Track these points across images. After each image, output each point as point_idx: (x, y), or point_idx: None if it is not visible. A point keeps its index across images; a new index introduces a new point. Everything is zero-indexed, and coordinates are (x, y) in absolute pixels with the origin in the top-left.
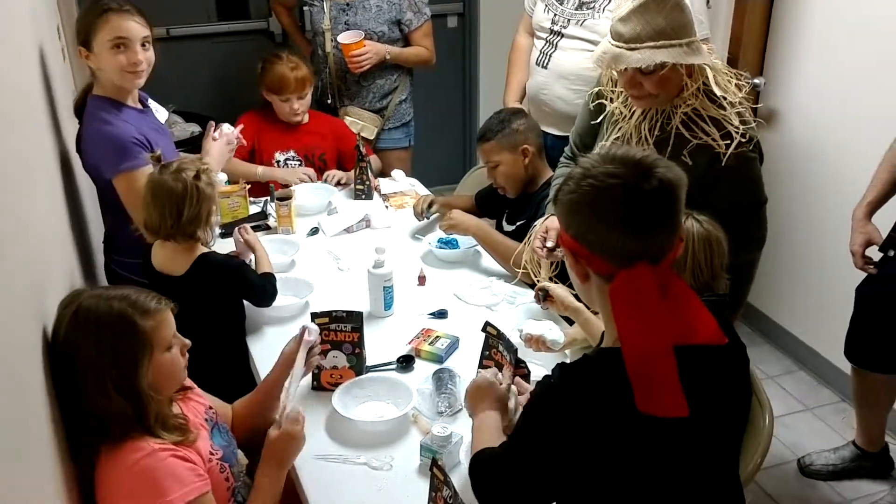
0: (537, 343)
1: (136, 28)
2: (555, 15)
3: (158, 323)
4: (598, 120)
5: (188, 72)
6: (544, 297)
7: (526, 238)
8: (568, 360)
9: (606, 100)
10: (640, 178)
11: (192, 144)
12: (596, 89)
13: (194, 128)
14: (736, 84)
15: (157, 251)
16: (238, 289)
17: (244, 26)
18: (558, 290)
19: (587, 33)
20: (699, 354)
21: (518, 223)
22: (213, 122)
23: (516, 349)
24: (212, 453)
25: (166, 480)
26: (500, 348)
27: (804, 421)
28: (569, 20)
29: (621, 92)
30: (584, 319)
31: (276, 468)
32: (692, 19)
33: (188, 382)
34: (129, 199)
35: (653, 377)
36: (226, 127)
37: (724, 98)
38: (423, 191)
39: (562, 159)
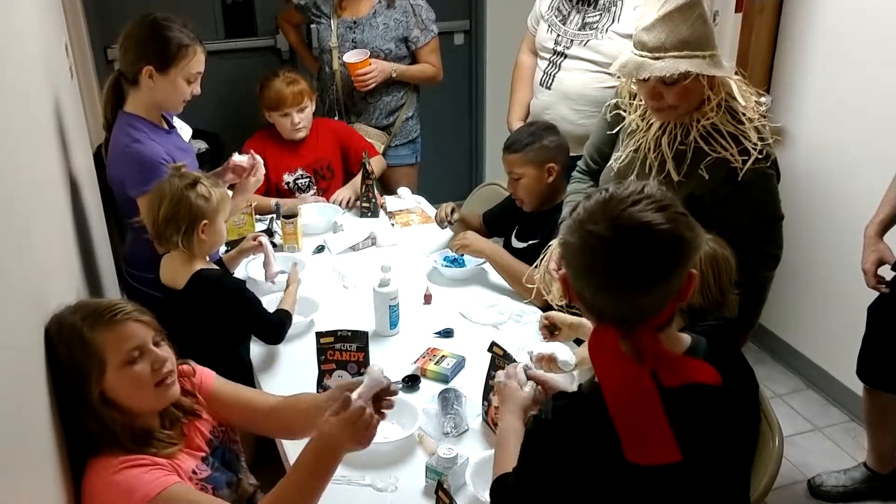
0: (549, 363)
1: (204, 62)
2: (558, 35)
3: (115, 336)
4: (615, 131)
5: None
6: (552, 331)
7: (539, 258)
8: (575, 382)
9: (624, 111)
10: (621, 246)
11: (199, 161)
12: (614, 101)
13: (201, 144)
14: (755, 101)
15: (163, 263)
16: (234, 309)
17: (252, 43)
18: (558, 315)
19: (591, 54)
20: (691, 393)
21: (530, 242)
22: (233, 159)
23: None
24: (195, 472)
25: (127, 492)
26: None
27: (814, 441)
28: (572, 41)
29: (639, 104)
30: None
31: (327, 454)
32: (713, 32)
33: (203, 403)
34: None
35: (639, 424)
36: (241, 158)
37: (744, 114)
38: (429, 208)
39: (575, 173)
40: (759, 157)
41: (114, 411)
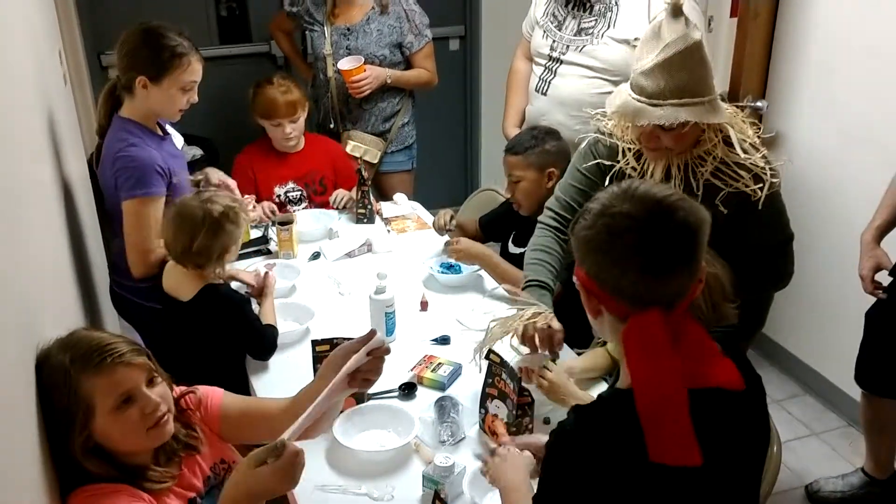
0: (528, 374)
1: (201, 71)
2: (553, 41)
3: (104, 381)
4: (605, 183)
5: None
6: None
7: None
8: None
9: (607, 157)
10: (659, 220)
11: (193, 168)
12: (589, 142)
13: (196, 151)
14: (751, 124)
15: (168, 271)
16: (237, 325)
17: (246, 49)
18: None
19: (587, 59)
20: (715, 397)
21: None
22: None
23: (520, 378)
24: None
25: None
26: (504, 376)
27: (811, 446)
28: (567, 46)
29: (631, 146)
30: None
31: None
32: (711, 73)
33: (203, 439)
34: (131, 224)
35: (665, 424)
36: (213, 175)
37: (745, 141)
38: (424, 214)
39: (542, 221)
40: (774, 181)
41: (95, 460)
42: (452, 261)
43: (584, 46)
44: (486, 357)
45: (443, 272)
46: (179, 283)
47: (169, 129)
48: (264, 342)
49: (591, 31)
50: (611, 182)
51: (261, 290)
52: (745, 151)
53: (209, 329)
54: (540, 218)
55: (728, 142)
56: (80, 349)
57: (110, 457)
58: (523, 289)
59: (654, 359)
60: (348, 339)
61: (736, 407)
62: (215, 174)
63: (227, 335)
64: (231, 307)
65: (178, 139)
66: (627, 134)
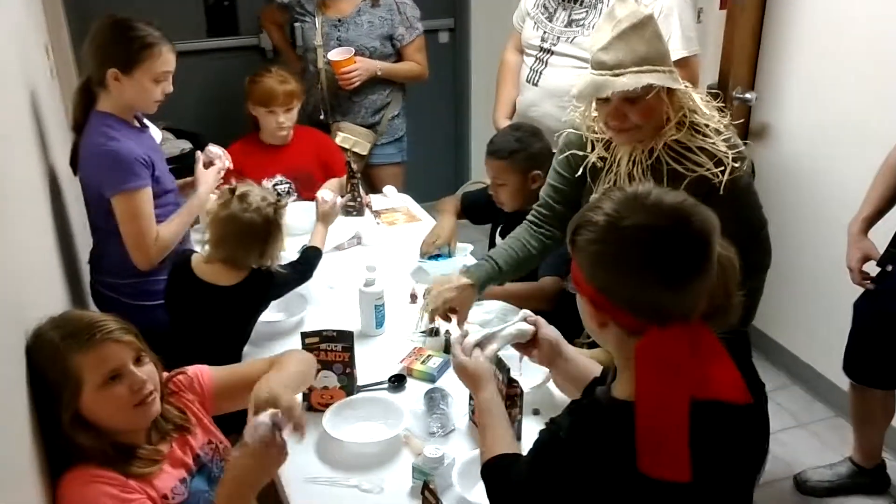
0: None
1: (174, 61)
2: (544, 32)
3: (93, 357)
4: (578, 174)
5: (178, 88)
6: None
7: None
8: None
9: (580, 151)
10: (675, 230)
11: (182, 162)
12: (565, 135)
13: (185, 144)
14: (718, 109)
15: (202, 263)
16: (294, 284)
17: (235, 42)
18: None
19: (578, 51)
20: (717, 411)
21: None
22: (199, 152)
23: (509, 368)
24: (166, 497)
25: None
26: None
27: (799, 437)
28: (558, 38)
29: (600, 138)
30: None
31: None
32: (668, 51)
33: (194, 421)
34: (125, 219)
35: (662, 439)
36: (213, 148)
37: (708, 126)
38: (415, 207)
39: (529, 219)
40: (735, 165)
41: (85, 433)
42: (439, 251)
43: (574, 38)
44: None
45: (430, 259)
46: (222, 270)
47: (146, 122)
48: (311, 271)
49: (581, 22)
50: (583, 175)
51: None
52: (705, 136)
53: (249, 309)
54: (528, 219)
55: (694, 127)
56: (70, 326)
57: (101, 432)
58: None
59: (668, 375)
60: (340, 331)
61: (736, 422)
62: (214, 149)
63: (258, 314)
64: (282, 283)
65: (156, 133)
66: (596, 124)
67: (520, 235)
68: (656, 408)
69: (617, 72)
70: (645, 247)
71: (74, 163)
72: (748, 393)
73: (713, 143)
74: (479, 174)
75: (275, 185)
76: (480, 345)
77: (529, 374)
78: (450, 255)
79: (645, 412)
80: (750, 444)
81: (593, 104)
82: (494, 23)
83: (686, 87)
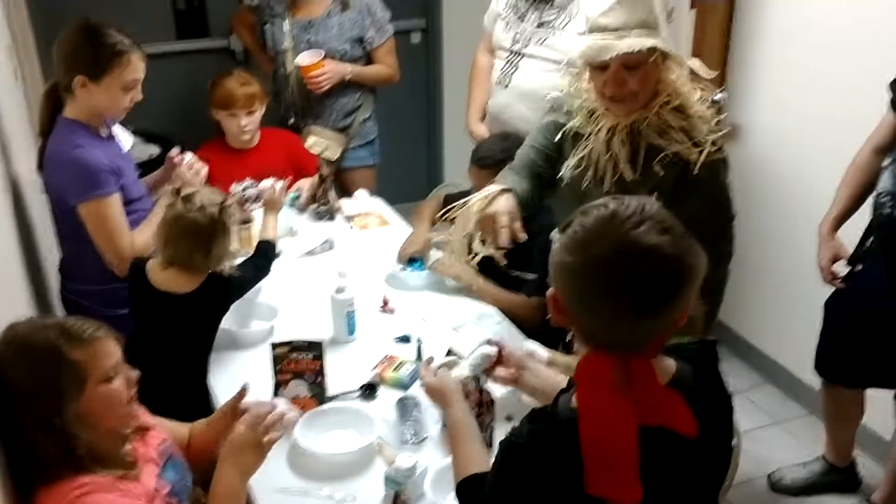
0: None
1: (144, 69)
2: (515, 34)
3: (95, 352)
4: (556, 139)
5: (147, 91)
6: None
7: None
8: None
9: (565, 115)
10: (627, 264)
11: (151, 167)
12: (551, 99)
13: (153, 149)
14: (700, 93)
15: (157, 271)
16: (252, 282)
17: (204, 45)
18: (562, 359)
19: (549, 52)
20: (669, 435)
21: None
22: (177, 150)
23: (478, 377)
24: (157, 489)
25: None
26: None
27: (774, 435)
28: (529, 39)
29: (584, 105)
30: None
31: (235, 474)
32: (663, 21)
33: (148, 421)
34: (95, 227)
35: (608, 458)
36: (189, 156)
37: (693, 109)
38: (386, 211)
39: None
40: (713, 148)
41: (83, 431)
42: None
43: (545, 39)
44: (448, 354)
45: (404, 269)
46: (176, 277)
47: (118, 129)
48: (269, 266)
49: (552, 23)
50: (561, 139)
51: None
52: (689, 117)
53: (210, 316)
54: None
55: (678, 108)
56: (63, 326)
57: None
58: None
59: (601, 399)
60: (310, 341)
61: (689, 449)
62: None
63: (219, 319)
64: (238, 287)
65: (127, 140)
66: (587, 93)
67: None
68: (598, 427)
69: (621, 34)
70: (592, 277)
71: (41, 168)
72: (695, 424)
73: (695, 125)
74: (452, 176)
75: (244, 188)
76: (448, 365)
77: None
78: (423, 264)
79: (587, 430)
80: (705, 468)
81: (586, 74)
82: (467, 23)
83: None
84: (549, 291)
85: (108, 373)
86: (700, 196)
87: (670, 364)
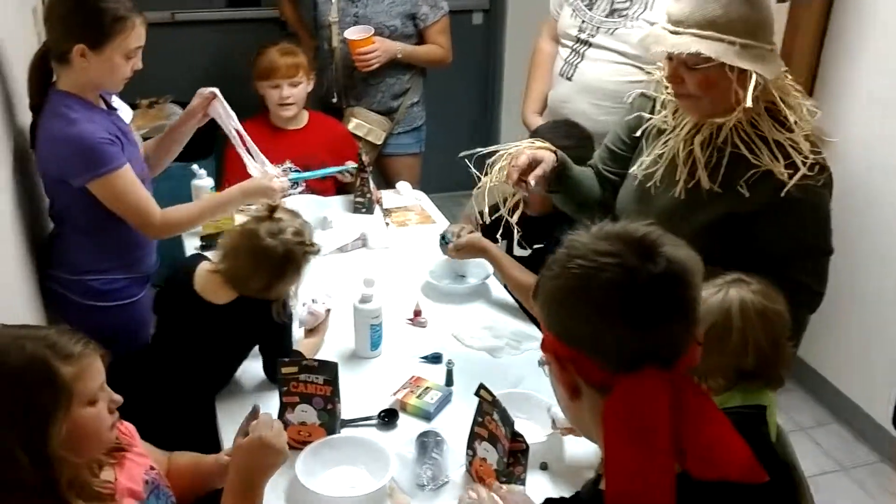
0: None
1: (144, 35)
2: (582, 21)
3: (82, 370)
4: (637, 134)
5: (192, 60)
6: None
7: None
8: None
9: (649, 110)
10: (642, 257)
11: (191, 141)
12: (634, 96)
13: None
14: (807, 109)
15: (204, 272)
16: (270, 344)
17: (255, 14)
18: None
19: (617, 44)
20: (718, 492)
21: (535, 247)
22: (209, 90)
23: (513, 422)
24: None
25: None
26: (495, 417)
27: (838, 482)
28: (598, 28)
29: (669, 99)
30: None
31: (243, 489)
32: (765, 21)
33: (128, 440)
34: (110, 201)
35: None
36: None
37: (796, 123)
38: (429, 206)
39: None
40: (810, 173)
41: (67, 457)
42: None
43: (616, 29)
44: (477, 393)
45: (448, 284)
46: (218, 287)
47: (117, 101)
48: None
49: (625, 12)
50: (640, 137)
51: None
52: (788, 131)
53: (236, 335)
54: None
55: (778, 119)
56: (50, 337)
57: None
58: None
59: (645, 434)
60: (323, 362)
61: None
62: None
63: (248, 343)
64: (272, 327)
65: (126, 113)
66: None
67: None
68: (629, 480)
69: (675, 29)
70: (604, 274)
71: (34, 145)
72: (760, 468)
73: (791, 140)
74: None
75: (284, 170)
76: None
77: (537, 420)
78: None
79: (615, 494)
80: None
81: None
82: (534, 6)
83: (772, 70)
84: (546, 351)
85: (94, 394)
86: (792, 222)
87: None
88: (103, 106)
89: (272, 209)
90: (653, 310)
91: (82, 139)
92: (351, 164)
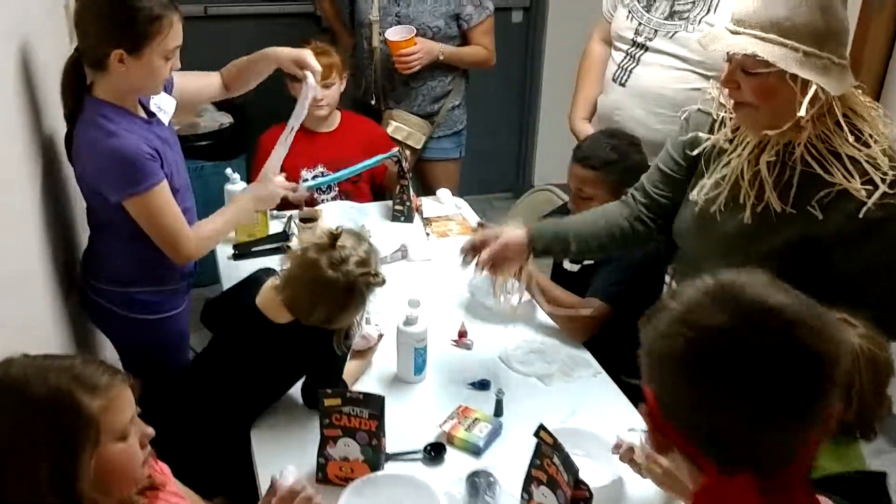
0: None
1: (181, 33)
2: (639, 24)
3: (110, 402)
4: (695, 153)
5: (224, 55)
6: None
7: None
8: None
9: (707, 129)
10: (766, 337)
11: (220, 137)
12: (689, 111)
13: (225, 118)
14: (882, 119)
15: (269, 288)
16: (322, 365)
17: (290, 8)
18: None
19: (677, 48)
20: None
21: (585, 263)
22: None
23: (577, 470)
24: None
25: None
26: (555, 461)
27: None
28: (656, 31)
29: (730, 116)
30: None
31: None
32: (836, 31)
33: (160, 478)
34: (144, 221)
35: None
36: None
37: (872, 136)
38: (470, 214)
39: (623, 200)
40: (891, 191)
41: (96, 497)
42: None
43: (675, 33)
44: (537, 434)
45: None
46: (277, 306)
47: (158, 99)
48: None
49: (686, 14)
50: (697, 157)
51: None
52: (864, 146)
53: (288, 357)
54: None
55: (855, 133)
56: (76, 368)
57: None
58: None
59: None
60: (367, 394)
61: None
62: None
63: (299, 370)
64: (328, 355)
65: (168, 103)
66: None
67: (609, 211)
68: None
69: (735, 28)
70: (716, 354)
71: (69, 154)
72: None
73: (869, 156)
74: (544, 175)
75: (315, 177)
76: None
77: (595, 458)
78: None
79: None
80: None
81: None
82: (577, 2)
83: (839, 83)
84: (645, 397)
85: (125, 428)
86: (875, 244)
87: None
88: (142, 113)
89: (334, 237)
90: (771, 405)
91: (121, 153)
92: (396, 150)
